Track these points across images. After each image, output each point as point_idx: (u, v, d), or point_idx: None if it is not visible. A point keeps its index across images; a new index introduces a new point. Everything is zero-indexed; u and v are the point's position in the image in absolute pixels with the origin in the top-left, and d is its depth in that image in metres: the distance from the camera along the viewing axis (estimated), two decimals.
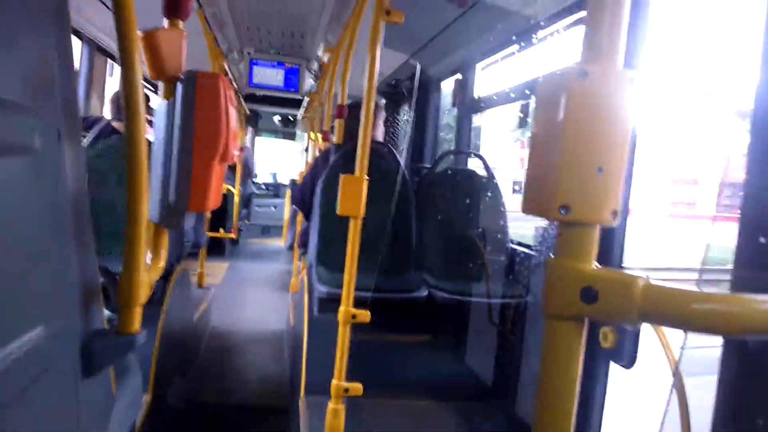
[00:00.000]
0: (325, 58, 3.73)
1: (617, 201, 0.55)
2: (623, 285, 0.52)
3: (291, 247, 4.97)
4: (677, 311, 0.50)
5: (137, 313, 0.95)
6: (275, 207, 8.10)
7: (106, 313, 1.04)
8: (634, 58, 1.32)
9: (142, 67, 0.95)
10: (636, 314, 0.51)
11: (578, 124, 0.54)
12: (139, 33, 0.93)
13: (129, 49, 0.91)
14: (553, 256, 0.57)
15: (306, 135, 6.24)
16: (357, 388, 1.59)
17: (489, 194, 2.71)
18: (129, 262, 0.93)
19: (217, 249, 5.97)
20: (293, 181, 6.72)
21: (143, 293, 0.95)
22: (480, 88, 3.24)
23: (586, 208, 0.54)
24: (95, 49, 3.37)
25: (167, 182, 1.04)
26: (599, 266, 0.56)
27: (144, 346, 0.98)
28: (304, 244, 2.97)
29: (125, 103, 0.93)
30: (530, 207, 0.59)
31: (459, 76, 3.34)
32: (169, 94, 1.05)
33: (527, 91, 2.43)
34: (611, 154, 0.54)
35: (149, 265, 1.00)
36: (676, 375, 1.16)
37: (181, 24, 1.13)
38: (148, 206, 0.97)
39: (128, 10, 0.89)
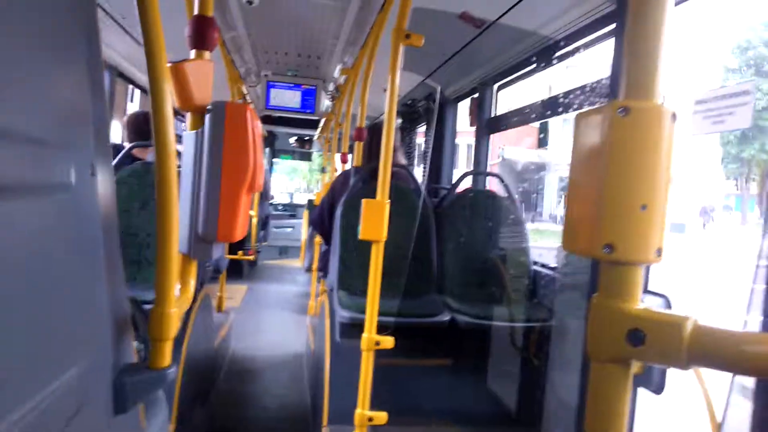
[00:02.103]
0: (341, 80, 3.75)
1: (661, 239, 0.54)
2: (671, 327, 0.50)
3: (309, 269, 4.98)
4: (728, 354, 0.48)
5: (168, 347, 0.94)
6: (292, 227, 8.12)
7: (134, 344, 1.03)
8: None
9: (171, 98, 0.95)
10: (685, 357, 0.49)
11: (621, 162, 0.53)
12: (167, 65, 0.94)
13: (159, 80, 0.91)
14: (595, 294, 0.56)
15: (322, 155, 6.27)
16: (381, 416, 1.56)
17: (510, 215, 2.69)
18: (161, 296, 0.92)
19: (235, 271, 5.97)
20: (311, 202, 6.73)
21: (174, 327, 0.94)
22: (498, 108, 3.23)
23: (631, 246, 0.53)
24: (116, 74, 3.42)
25: (195, 213, 1.04)
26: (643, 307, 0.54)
27: None
28: (323, 267, 2.96)
29: (155, 134, 0.93)
30: (572, 245, 0.57)
31: (476, 95, 3.34)
32: (198, 125, 1.06)
33: (548, 111, 2.41)
34: (655, 192, 0.53)
35: (178, 296, 1.00)
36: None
37: (207, 55, 1.14)
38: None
39: (158, 44, 0.89)
